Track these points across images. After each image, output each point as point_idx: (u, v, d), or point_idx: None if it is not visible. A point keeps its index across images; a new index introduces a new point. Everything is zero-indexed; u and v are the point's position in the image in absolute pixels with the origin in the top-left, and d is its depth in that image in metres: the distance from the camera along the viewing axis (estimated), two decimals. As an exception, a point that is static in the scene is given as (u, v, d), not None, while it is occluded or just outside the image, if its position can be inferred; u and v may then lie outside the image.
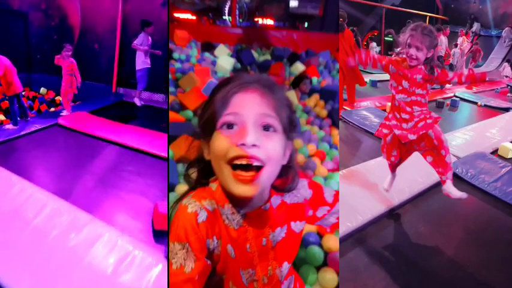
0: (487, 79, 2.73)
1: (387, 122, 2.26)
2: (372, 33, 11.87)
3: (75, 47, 4.95)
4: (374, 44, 10.93)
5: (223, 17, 7.16)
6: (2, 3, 5.93)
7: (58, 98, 5.44)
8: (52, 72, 5.30)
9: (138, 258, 2.02)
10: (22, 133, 4.02)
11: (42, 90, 5.92)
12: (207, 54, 4.61)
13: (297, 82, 3.66)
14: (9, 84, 3.97)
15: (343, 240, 2.19)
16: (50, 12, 6.01)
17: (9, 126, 4.10)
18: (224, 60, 4.17)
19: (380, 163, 2.95)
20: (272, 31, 5.84)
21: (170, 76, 3.62)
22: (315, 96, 3.52)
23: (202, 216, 0.83)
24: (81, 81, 4.67)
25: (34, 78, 6.01)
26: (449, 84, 2.79)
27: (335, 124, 3.15)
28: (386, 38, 11.46)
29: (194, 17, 6.84)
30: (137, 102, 4.96)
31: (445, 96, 6.56)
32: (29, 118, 4.39)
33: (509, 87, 7.95)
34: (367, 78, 6.36)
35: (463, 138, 4.03)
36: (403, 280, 1.95)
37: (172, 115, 2.72)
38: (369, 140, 4.05)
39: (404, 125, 2.16)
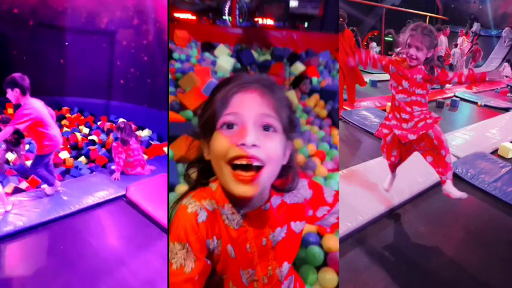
0: (487, 79, 2.73)
1: (387, 122, 2.26)
2: (372, 33, 11.88)
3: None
4: (374, 44, 10.94)
5: (223, 17, 7.17)
6: (89, 23, 4.85)
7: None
8: (133, 100, 4.69)
9: None
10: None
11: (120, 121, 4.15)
12: (207, 54, 4.62)
13: (297, 82, 3.66)
14: (40, 139, 2.66)
15: (343, 240, 2.19)
16: (143, 29, 4.59)
17: (48, 190, 2.83)
18: (224, 60, 4.17)
19: (380, 163, 2.95)
20: (272, 31, 5.84)
21: (170, 76, 3.62)
22: (315, 96, 3.53)
23: (202, 216, 0.83)
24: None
25: (113, 106, 5.02)
26: (449, 84, 2.79)
27: (335, 124, 3.15)
28: (386, 38, 11.46)
29: (194, 17, 6.85)
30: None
31: (445, 96, 6.56)
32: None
33: (509, 87, 7.95)
34: (367, 78, 6.36)
35: (463, 138, 4.03)
36: (403, 280, 1.95)
37: (172, 115, 2.72)
38: (368, 140, 4.04)
39: (404, 125, 2.16)
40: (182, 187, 2.00)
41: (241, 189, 0.80)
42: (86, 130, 4.54)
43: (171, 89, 3.31)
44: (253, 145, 0.78)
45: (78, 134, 4.31)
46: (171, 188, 2.02)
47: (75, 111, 5.08)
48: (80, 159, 3.77)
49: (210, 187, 0.91)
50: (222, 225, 0.88)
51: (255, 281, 0.93)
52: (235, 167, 0.79)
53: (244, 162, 0.78)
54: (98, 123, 4.82)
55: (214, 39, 5.08)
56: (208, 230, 0.84)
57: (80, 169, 3.54)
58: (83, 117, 4.95)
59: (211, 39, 5.07)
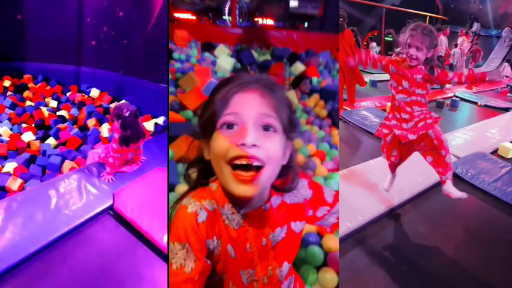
0: (487, 79, 2.73)
1: (387, 122, 2.26)
2: (372, 33, 11.87)
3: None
4: (374, 44, 10.94)
5: (223, 17, 7.16)
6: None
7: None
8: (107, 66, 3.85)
9: None
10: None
11: (93, 91, 4.00)
12: (207, 54, 4.61)
13: (297, 82, 3.66)
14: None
15: (343, 240, 2.18)
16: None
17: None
18: (224, 60, 4.17)
19: (380, 163, 2.95)
20: (272, 31, 5.84)
21: (170, 76, 3.61)
22: (315, 96, 3.52)
23: (202, 216, 0.83)
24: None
25: (84, 73, 4.32)
26: (449, 84, 2.79)
27: (335, 124, 3.15)
28: (386, 38, 11.45)
29: (194, 17, 6.85)
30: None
31: (445, 96, 6.56)
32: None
33: (509, 87, 7.95)
34: (367, 78, 6.36)
35: (463, 138, 4.03)
36: (403, 280, 1.95)
37: (172, 115, 2.72)
38: (368, 140, 4.04)
39: (404, 125, 2.16)
40: (182, 187, 2.00)
41: (241, 189, 0.80)
42: (53, 103, 3.90)
43: (171, 89, 3.30)
44: (253, 145, 0.78)
45: (44, 109, 3.66)
46: (171, 188, 2.02)
47: (39, 80, 4.32)
48: (47, 141, 3.14)
49: (210, 187, 0.91)
50: (222, 225, 0.88)
51: (255, 281, 0.93)
52: (235, 167, 0.80)
53: (244, 162, 0.78)
54: (68, 94, 4.08)
55: (214, 39, 5.08)
56: (208, 230, 0.84)
57: (49, 156, 2.92)
58: (49, 87, 4.20)
59: (211, 39, 5.07)
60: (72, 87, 4.32)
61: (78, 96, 4.11)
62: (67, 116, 3.74)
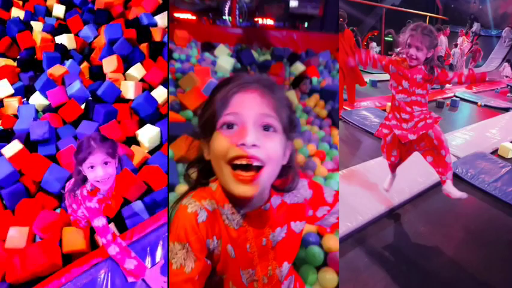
0: (487, 79, 2.73)
1: (387, 122, 2.26)
2: (372, 33, 11.88)
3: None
4: (374, 44, 10.94)
5: (223, 17, 7.16)
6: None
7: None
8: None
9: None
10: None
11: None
12: (207, 54, 4.61)
13: (297, 82, 3.66)
14: None
15: (343, 240, 2.19)
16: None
17: None
18: (224, 60, 4.17)
19: (380, 163, 2.95)
20: (272, 31, 5.83)
21: (170, 76, 3.61)
22: (315, 96, 3.52)
23: (202, 216, 0.83)
24: None
25: None
26: (449, 84, 2.79)
27: (335, 124, 3.15)
28: (386, 38, 11.46)
29: (194, 17, 6.84)
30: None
31: (445, 96, 6.56)
32: None
33: (509, 87, 7.95)
34: (367, 78, 6.36)
35: (463, 138, 4.03)
36: (403, 280, 1.95)
37: (172, 115, 2.72)
38: (368, 140, 4.05)
39: (404, 125, 2.16)
40: (182, 187, 2.00)
41: (241, 189, 0.80)
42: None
43: (171, 89, 3.30)
44: (253, 145, 0.78)
45: None
46: (171, 188, 2.02)
47: None
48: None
49: (210, 187, 0.91)
50: (222, 225, 0.88)
51: (255, 281, 0.93)
52: (235, 167, 0.79)
53: (244, 162, 0.78)
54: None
55: (214, 39, 5.07)
56: (208, 230, 0.84)
57: None
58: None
59: (211, 39, 5.07)
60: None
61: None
62: None
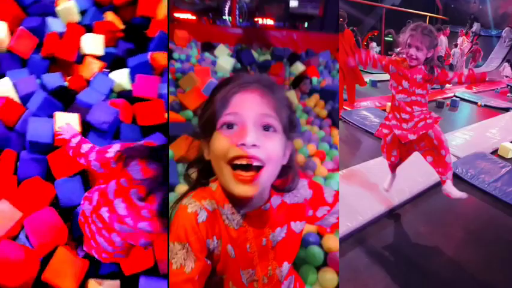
0: (487, 79, 2.73)
1: (387, 122, 2.26)
2: (372, 33, 11.87)
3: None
4: (374, 44, 10.94)
5: (223, 17, 7.17)
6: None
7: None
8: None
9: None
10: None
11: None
12: (207, 54, 4.62)
13: (297, 82, 3.66)
14: None
15: (343, 240, 2.18)
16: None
17: None
18: (224, 60, 4.17)
19: (380, 163, 2.95)
20: (272, 31, 5.84)
21: (170, 76, 3.62)
22: (315, 96, 3.53)
23: (202, 216, 0.83)
24: None
25: None
26: (449, 84, 2.79)
27: (335, 124, 3.16)
28: (386, 38, 11.45)
29: (194, 17, 6.85)
30: None
31: (445, 96, 6.56)
32: None
33: (509, 87, 7.95)
34: (367, 78, 6.36)
35: (463, 138, 4.03)
36: (403, 280, 1.95)
37: (172, 115, 2.72)
38: (369, 140, 4.04)
39: (404, 125, 2.16)
40: (182, 187, 2.00)
41: (241, 189, 0.80)
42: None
43: (171, 89, 3.30)
44: (253, 145, 0.78)
45: None
46: (171, 188, 2.02)
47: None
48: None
49: (210, 187, 0.91)
50: (222, 225, 0.88)
51: (255, 281, 0.93)
52: (235, 167, 0.79)
53: (244, 162, 0.78)
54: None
55: (214, 39, 5.08)
56: (208, 230, 0.84)
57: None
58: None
59: (211, 39, 5.07)
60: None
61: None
62: None
